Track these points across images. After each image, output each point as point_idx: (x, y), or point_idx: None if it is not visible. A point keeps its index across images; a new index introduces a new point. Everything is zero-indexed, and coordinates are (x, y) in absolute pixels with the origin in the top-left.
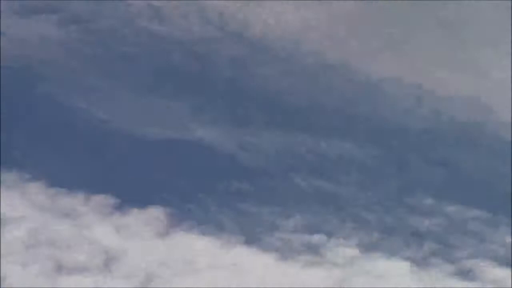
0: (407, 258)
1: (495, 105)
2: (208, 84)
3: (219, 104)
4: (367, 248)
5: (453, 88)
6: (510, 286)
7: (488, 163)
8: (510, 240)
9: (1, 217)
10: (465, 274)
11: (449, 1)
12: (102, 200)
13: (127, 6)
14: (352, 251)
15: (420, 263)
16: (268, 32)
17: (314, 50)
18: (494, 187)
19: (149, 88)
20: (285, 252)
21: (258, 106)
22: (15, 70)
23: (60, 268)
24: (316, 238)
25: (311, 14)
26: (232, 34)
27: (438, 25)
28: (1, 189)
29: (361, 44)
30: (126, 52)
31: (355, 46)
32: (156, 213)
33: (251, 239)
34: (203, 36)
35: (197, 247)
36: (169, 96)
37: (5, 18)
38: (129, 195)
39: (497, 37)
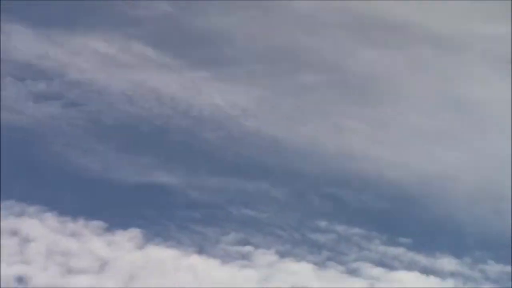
0: (310, 262)
1: (358, 156)
2: (166, 145)
3: (174, 158)
4: (282, 255)
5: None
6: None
7: (362, 197)
8: (381, 247)
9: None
10: (352, 272)
11: None
12: (96, 224)
13: (108, 94)
14: (272, 257)
15: (320, 265)
16: (204, 110)
17: (236, 122)
18: (369, 212)
19: (126, 148)
20: (226, 259)
21: (202, 159)
22: (36, 136)
23: (70, 271)
24: (246, 248)
25: (233, 98)
26: (180, 111)
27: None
28: (26, 218)
29: (269, 116)
30: (109, 125)
31: (265, 118)
32: (135, 233)
33: (202, 250)
34: (160, 113)
35: (164, 256)
36: (140, 153)
37: (26, 102)
38: (115, 221)
39: None
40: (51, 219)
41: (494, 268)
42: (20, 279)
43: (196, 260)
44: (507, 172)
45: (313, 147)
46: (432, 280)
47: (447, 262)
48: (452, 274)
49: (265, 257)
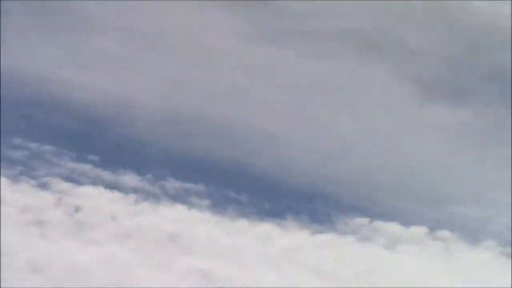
0: (5, 176)
1: (50, 79)
2: None
3: None
4: None
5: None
6: None
7: (54, 116)
8: (70, 164)
9: None
10: (42, 186)
11: None
12: None
13: None
14: None
15: (13, 179)
16: None
17: None
18: (61, 131)
19: None
20: None
21: None
22: None
23: None
24: None
25: None
26: None
27: None
28: None
29: None
30: None
31: None
32: None
33: None
34: None
35: None
36: None
37: None
38: None
39: None
40: None
41: (172, 184)
42: None
43: None
44: (196, 99)
45: (12, 71)
46: (116, 195)
47: (130, 178)
48: (134, 189)
49: None
